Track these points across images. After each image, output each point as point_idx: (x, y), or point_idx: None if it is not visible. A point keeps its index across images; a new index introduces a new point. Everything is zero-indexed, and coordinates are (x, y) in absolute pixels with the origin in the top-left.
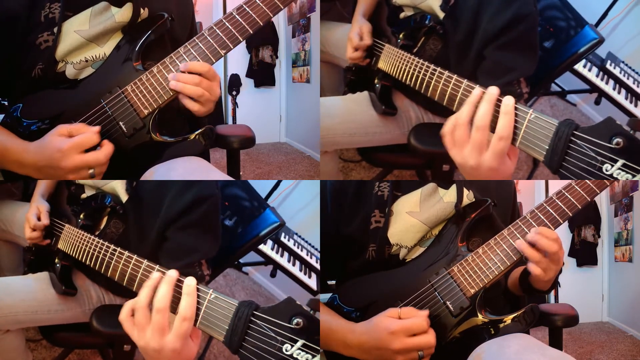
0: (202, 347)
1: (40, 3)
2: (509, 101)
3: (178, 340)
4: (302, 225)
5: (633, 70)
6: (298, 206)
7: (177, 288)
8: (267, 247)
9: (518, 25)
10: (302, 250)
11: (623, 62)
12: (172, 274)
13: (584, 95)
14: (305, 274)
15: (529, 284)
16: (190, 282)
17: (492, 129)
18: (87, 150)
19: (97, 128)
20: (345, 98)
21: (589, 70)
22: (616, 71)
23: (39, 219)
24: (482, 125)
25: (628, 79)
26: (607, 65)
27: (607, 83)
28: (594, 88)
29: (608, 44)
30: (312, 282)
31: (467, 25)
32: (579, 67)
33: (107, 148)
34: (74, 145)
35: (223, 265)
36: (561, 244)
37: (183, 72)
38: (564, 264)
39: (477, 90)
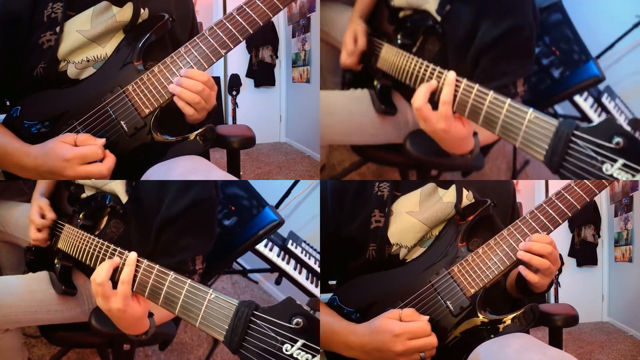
0: (207, 350)
1: (43, 3)
2: (450, 75)
3: (121, 300)
4: (313, 234)
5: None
6: (311, 214)
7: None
8: (273, 254)
9: (514, 36)
10: (309, 258)
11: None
12: (132, 256)
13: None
14: (312, 282)
15: (526, 287)
16: (131, 255)
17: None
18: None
19: (102, 141)
20: (346, 96)
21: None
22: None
23: (42, 217)
24: (447, 100)
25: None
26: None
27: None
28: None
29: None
30: (318, 291)
31: (463, 34)
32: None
33: (110, 160)
34: (78, 155)
35: (223, 264)
36: (555, 245)
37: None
38: (563, 263)
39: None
